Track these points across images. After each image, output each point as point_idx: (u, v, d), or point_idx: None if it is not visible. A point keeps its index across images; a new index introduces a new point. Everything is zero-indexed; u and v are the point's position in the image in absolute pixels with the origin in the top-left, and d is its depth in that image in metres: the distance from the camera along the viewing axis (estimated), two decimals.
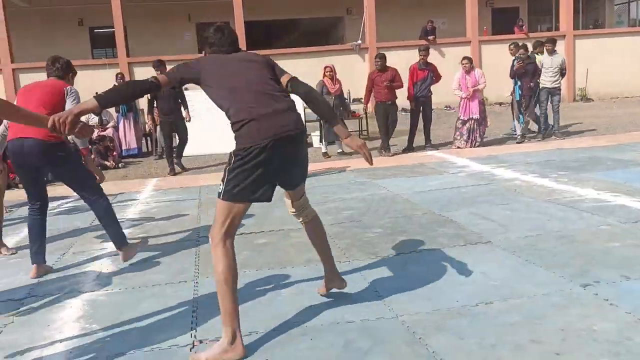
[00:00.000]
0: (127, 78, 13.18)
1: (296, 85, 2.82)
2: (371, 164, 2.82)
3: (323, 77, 9.53)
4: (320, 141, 10.02)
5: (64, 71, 4.19)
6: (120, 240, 4.16)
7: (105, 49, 19.00)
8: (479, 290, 3.26)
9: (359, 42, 16.10)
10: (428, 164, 7.96)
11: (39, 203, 4.06)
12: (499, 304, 3.07)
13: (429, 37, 16.25)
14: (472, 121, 9.37)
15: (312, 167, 8.19)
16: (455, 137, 9.61)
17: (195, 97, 10.70)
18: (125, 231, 5.16)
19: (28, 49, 15.97)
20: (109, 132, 10.58)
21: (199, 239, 4.75)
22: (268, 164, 2.57)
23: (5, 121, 4.36)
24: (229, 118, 2.63)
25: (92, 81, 12.55)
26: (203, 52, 2.97)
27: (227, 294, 2.58)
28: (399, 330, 2.81)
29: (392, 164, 8.11)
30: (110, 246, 4.67)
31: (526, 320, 2.83)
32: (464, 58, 9.53)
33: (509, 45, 10.21)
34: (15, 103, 4.13)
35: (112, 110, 10.84)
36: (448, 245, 4.15)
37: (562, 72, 9.70)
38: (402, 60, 13.28)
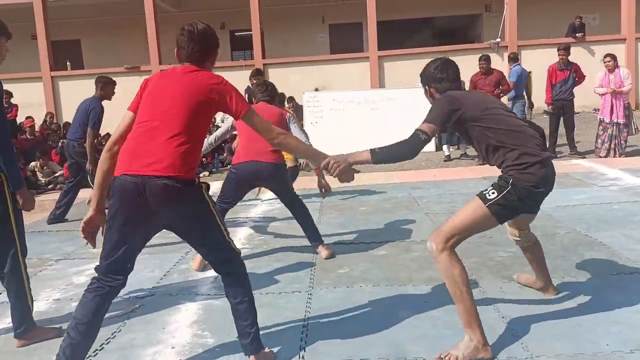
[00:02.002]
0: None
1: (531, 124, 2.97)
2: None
3: None
4: (443, 143, 9.54)
5: (273, 95, 4.50)
6: (314, 238, 4.36)
7: (243, 50, 19.82)
8: (635, 334, 2.73)
9: (498, 40, 15.22)
10: (573, 174, 7.17)
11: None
12: None
13: (576, 35, 14.95)
14: (615, 127, 8.35)
15: (436, 172, 7.92)
16: (596, 145, 8.64)
17: (322, 96, 10.71)
18: (247, 232, 5.20)
19: (174, 51, 17.09)
20: None
21: (317, 245, 4.59)
22: (537, 203, 2.76)
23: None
24: (502, 156, 2.65)
25: (232, 82, 13.10)
26: (427, 87, 2.92)
27: (466, 295, 2.59)
28: None
29: None
30: None
31: None
32: (606, 56, 8.51)
33: None
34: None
35: None
36: (596, 273, 3.59)
37: None
38: (545, 59, 12.32)
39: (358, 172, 2.83)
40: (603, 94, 8.41)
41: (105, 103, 5.94)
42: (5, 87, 10.77)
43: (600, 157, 8.40)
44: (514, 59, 9.76)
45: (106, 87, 5.89)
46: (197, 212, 2.45)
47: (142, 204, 2.33)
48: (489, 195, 2.62)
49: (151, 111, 2.45)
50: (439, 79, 2.83)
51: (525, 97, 9.54)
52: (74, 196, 6.31)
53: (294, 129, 4.42)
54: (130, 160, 2.36)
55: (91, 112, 5.77)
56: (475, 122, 2.65)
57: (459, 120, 2.66)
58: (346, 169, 2.64)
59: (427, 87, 2.90)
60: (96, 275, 2.49)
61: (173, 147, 2.35)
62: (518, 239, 3.15)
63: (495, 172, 6.69)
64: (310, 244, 4.39)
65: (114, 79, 6.06)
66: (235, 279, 2.59)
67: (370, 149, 2.61)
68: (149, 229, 2.51)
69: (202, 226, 2.48)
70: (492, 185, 2.67)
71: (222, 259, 2.57)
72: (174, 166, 2.33)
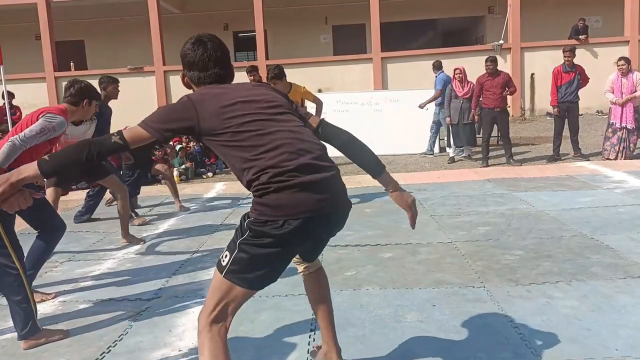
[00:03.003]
0: (264, 79, 13.57)
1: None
2: (413, 227, 2.22)
3: (452, 80, 9.17)
4: (448, 145, 9.54)
5: (78, 97, 3.81)
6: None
7: (247, 52, 19.86)
8: None
9: (501, 42, 15.20)
10: (578, 176, 7.16)
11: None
12: None
13: (579, 37, 14.91)
14: (624, 130, 8.34)
15: (440, 174, 7.93)
16: (604, 148, 8.63)
17: (325, 97, 10.76)
18: None
19: (178, 53, 17.11)
20: None
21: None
22: (308, 241, 2.05)
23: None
24: (245, 178, 1.96)
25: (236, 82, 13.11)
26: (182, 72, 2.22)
27: None
28: None
29: (535, 175, 7.41)
30: None
31: None
32: (621, 59, 8.49)
33: None
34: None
35: None
36: (603, 276, 3.58)
37: None
38: (548, 61, 12.33)
39: (39, 194, 2.20)
40: (614, 104, 8.38)
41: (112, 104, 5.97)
42: (9, 87, 10.69)
43: (609, 159, 8.38)
44: (438, 67, 9.94)
45: (109, 87, 5.89)
46: None
47: None
48: (223, 261, 1.97)
49: None
50: (189, 64, 2.12)
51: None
52: (99, 199, 6.21)
53: (30, 127, 3.42)
54: None
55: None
56: (214, 137, 1.94)
57: (192, 133, 1.99)
58: (8, 191, 1.89)
59: (183, 72, 2.20)
60: None
61: None
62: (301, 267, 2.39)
63: (499, 174, 6.66)
64: None
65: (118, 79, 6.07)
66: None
67: (39, 160, 1.92)
68: None
69: None
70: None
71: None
72: None
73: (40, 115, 3.48)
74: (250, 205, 1.95)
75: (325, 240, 2.22)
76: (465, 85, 9.08)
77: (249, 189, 1.95)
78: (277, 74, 6.22)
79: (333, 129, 2.18)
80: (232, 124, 1.93)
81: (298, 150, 1.92)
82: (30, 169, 1.91)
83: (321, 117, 2.27)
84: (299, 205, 1.86)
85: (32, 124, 3.44)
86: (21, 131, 3.42)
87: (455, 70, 9.22)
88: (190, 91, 2.18)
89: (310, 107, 6.94)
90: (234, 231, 2.05)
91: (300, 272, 2.42)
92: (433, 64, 10.14)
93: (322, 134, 2.17)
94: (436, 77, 9.94)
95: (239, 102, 1.98)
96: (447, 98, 9.21)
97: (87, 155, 1.90)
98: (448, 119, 9.24)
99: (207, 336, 1.97)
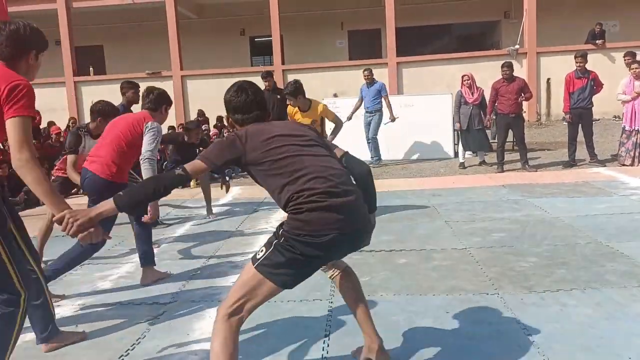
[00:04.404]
0: (279, 84, 13.66)
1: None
2: None
3: (461, 86, 9.14)
4: (464, 150, 9.51)
5: (156, 103, 4.15)
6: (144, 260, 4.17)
7: (263, 56, 19.99)
8: None
9: (517, 46, 15.14)
10: (594, 182, 7.12)
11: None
12: None
13: (596, 42, 14.81)
14: (638, 135, 8.27)
15: (455, 180, 7.92)
16: (619, 153, 8.56)
17: (341, 102, 10.79)
18: (267, 238, 5.24)
19: (195, 57, 17.29)
20: None
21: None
22: (331, 254, 2.30)
23: None
24: (282, 199, 2.21)
25: None
26: (229, 119, 2.57)
27: None
28: None
29: (551, 181, 7.39)
30: (251, 254, 4.74)
31: None
32: (634, 62, 8.42)
33: None
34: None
35: None
36: (618, 284, 3.57)
37: None
38: (564, 66, 12.25)
39: (108, 237, 2.51)
40: (625, 102, 8.33)
41: None
42: None
43: (625, 165, 8.32)
44: (371, 72, 9.98)
45: (128, 92, 6.01)
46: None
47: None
48: (258, 254, 2.21)
49: None
50: (233, 109, 2.42)
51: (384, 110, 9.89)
52: None
53: (145, 139, 3.92)
54: None
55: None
56: (257, 166, 2.24)
57: (238, 163, 2.29)
58: (86, 226, 2.15)
59: (228, 115, 2.49)
60: None
61: None
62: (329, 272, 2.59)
63: (515, 179, 6.66)
64: None
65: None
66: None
67: (114, 197, 2.19)
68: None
69: None
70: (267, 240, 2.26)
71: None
72: None
73: (146, 126, 3.94)
74: (286, 219, 2.19)
75: (347, 253, 2.38)
76: (475, 91, 9.04)
77: (284, 209, 2.20)
78: (292, 91, 5.71)
79: (354, 161, 2.47)
80: (271, 155, 2.22)
81: (327, 176, 2.19)
82: (107, 205, 2.18)
83: (345, 151, 2.51)
84: (327, 224, 2.11)
85: (132, 130, 3.92)
86: (120, 135, 3.90)
87: (463, 76, 9.19)
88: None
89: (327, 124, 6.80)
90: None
91: (330, 277, 2.61)
92: (365, 73, 10.00)
93: (345, 164, 2.42)
94: (374, 84, 9.90)
95: (277, 136, 2.28)
96: (457, 104, 9.19)
97: (156, 189, 2.22)
98: (458, 125, 9.21)
99: (223, 326, 2.15)
